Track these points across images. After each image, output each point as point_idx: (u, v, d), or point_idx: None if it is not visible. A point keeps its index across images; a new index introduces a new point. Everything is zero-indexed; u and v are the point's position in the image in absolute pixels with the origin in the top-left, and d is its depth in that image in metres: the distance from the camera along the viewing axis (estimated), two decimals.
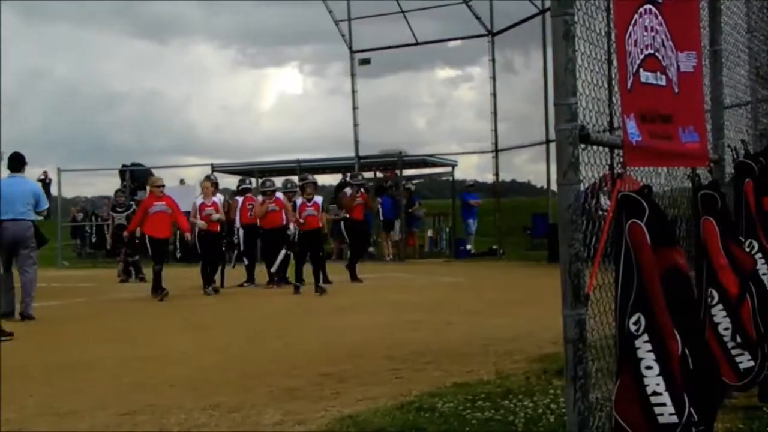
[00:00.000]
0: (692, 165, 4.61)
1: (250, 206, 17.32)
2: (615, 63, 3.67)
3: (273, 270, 16.53)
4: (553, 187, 20.80)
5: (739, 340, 4.59)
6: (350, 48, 28.77)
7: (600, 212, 4.14)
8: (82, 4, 57.54)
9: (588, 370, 3.24)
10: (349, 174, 22.48)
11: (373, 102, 29.66)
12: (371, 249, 24.99)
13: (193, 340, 9.54)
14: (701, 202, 4.60)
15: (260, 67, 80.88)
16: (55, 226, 27.60)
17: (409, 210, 26.22)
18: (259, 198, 17.41)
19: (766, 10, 6.20)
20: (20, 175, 11.88)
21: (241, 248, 17.78)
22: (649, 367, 3.27)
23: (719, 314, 4.62)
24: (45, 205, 12.18)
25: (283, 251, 16.30)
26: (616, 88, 3.66)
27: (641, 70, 3.78)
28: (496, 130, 27.04)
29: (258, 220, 16.99)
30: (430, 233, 28.69)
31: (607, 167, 3.69)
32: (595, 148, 3.49)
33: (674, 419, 3.23)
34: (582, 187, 3.25)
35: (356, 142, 28.61)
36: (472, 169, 48.52)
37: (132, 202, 20.78)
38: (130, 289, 17.17)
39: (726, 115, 5.36)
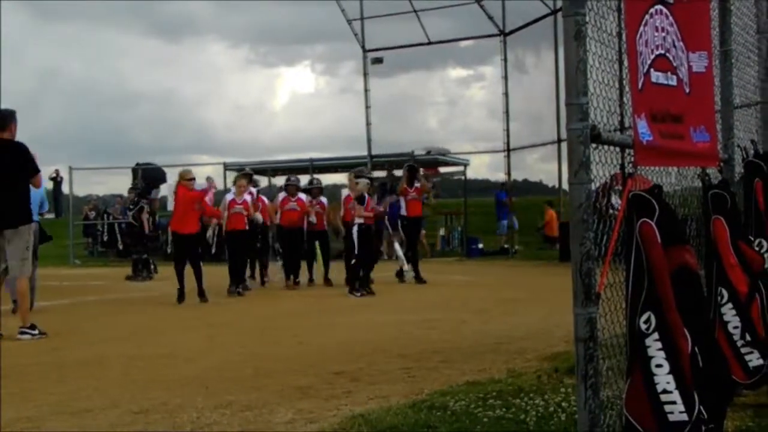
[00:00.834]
0: (703, 165, 4.61)
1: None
2: (626, 63, 3.69)
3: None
4: (565, 186, 20.78)
5: (748, 338, 4.61)
6: (363, 47, 28.80)
7: (611, 211, 4.16)
8: (96, 4, 57.77)
9: (599, 368, 3.25)
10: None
11: (386, 101, 29.78)
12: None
13: (205, 338, 9.56)
14: (711, 201, 4.61)
15: (272, 66, 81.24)
16: (67, 224, 27.73)
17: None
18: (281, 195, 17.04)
19: None
20: None
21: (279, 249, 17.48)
22: (659, 366, 3.29)
23: (729, 313, 4.64)
24: (47, 207, 13.30)
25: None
26: (627, 88, 3.68)
27: (652, 70, 3.80)
28: (508, 130, 27.10)
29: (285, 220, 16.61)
30: (442, 232, 28.68)
31: (618, 166, 3.71)
32: (606, 147, 3.51)
33: (684, 417, 3.25)
34: (593, 187, 3.27)
35: (369, 140, 28.70)
36: (483, 168, 48.68)
37: (144, 202, 20.42)
38: (142, 288, 17.21)
39: (736, 115, 5.37)
